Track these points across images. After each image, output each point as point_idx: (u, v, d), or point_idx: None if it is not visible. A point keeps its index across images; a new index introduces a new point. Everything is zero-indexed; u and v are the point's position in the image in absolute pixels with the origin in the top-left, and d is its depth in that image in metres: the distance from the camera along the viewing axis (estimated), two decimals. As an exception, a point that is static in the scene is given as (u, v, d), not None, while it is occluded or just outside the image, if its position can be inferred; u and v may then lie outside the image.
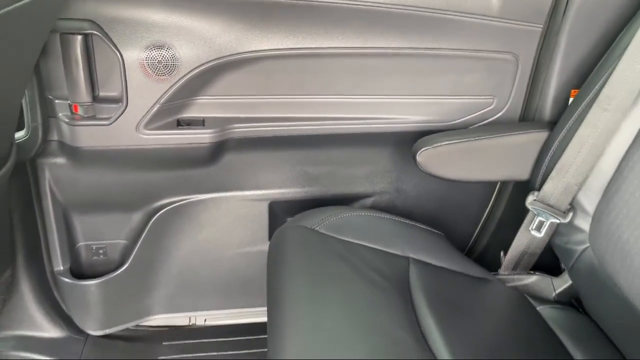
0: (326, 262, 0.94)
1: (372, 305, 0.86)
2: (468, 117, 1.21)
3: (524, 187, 1.13)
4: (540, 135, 1.09)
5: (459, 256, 1.11)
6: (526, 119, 1.21)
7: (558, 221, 1.03)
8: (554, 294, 1.11)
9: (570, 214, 1.01)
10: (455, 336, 0.86)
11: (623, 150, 0.94)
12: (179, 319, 1.43)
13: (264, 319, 1.39)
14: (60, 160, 1.15)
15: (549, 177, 1.03)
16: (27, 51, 0.84)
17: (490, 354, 0.85)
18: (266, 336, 0.92)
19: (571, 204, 1.02)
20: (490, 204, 1.35)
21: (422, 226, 1.16)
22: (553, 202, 1.03)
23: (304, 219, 1.07)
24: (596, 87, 0.98)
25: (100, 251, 1.31)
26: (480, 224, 1.38)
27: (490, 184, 1.32)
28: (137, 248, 1.28)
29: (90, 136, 1.10)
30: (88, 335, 1.31)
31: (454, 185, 1.30)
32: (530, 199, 1.06)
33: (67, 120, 1.09)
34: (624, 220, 0.91)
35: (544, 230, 1.05)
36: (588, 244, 0.99)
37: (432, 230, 1.17)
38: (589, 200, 0.99)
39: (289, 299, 0.85)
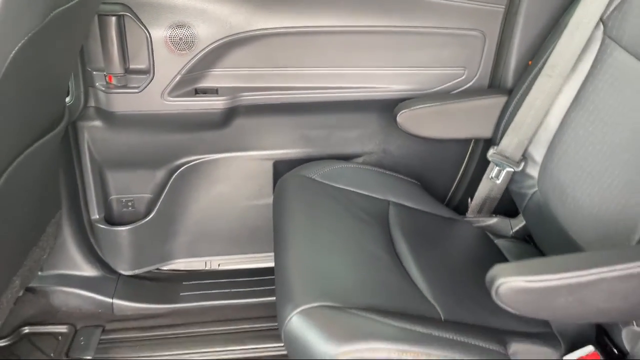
0: (321, 201, 1.16)
1: (357, 232, 1.08)
2: (443, 86, 1.41)
3: (492, 147, 1.34)
4: (501, 99, 1.29)
5: (432, 201, 1.32)
6: (493, 86, 1.41)
7: (513, 170, 1.24)
8: (511, 232, 1.32)
9: (522, 164, 1.22)
10: (423, 258, 1.08)
11: (564, 110, 1.15)
12: (196, 264, 1.65)
13: (271, 264, 1.60)
14: (97, 123, 1.36)
15: (506, 134, 1.24)
16: (78, 36, 1.05)
17: (450, 271, 1.07)
18: (273, 277, 1.14)
19: (523, 155, 1.23)
20: (464, 162, 1.55)
21: (401, 177, 1.37)
22: (509, 154, 1.24)
23: (303, 170, 1.28)
24: (544, 58, 1.18)
25: (129, 203, 1.53)
26: (457, 179, 1.58)
27: (464, 145, 1.52)
28: (160, 201, 1.50)
29: (122, 102, 1.31)
30: (120, 274, 1.53)
31: (433, 146, 1.51)
32: (490, 152, 1.27)
33: (103, 88, 1.30)
34: (563, 166, 1.12)
35: (501, 177, 1.27)
36: (537, 188, 1.20)
37: (410, 180, 1.38)
38: (538, 152, 1.20)
39: (291, 226, 1.07)
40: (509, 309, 0.74)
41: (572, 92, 1.14)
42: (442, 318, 0.92)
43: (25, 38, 0.72)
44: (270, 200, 1.54)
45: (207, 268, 1.66)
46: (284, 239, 1.06)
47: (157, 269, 1.61)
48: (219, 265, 1.66)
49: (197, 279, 1.59)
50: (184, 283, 1.57)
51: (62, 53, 0.96)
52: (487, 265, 1.10)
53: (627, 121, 0.99)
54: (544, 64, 1.17)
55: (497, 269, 0.73)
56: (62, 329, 1.36)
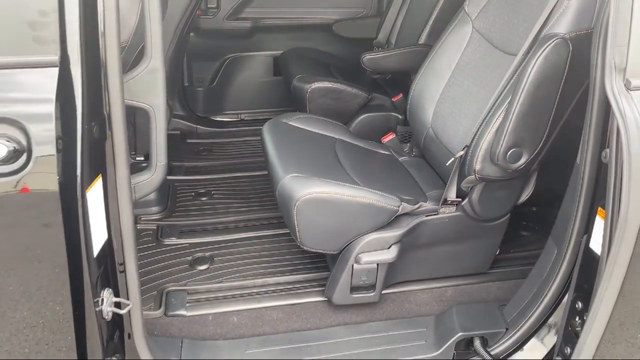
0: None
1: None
2: (356, 16, 2.99)
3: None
4: (378, 18, 2.86)
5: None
6: (378, 13, 2.98)
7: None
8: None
9: (387, 45, 2.78)
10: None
11: (400, 20, 2.71)
12: (232, 116, 3.14)
13: (270, 116, 3.11)
14: (192, 34, 2.86)
15: (380, 32, 2.79)
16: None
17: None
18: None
19: (387, 40, 2.78)
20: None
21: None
22: (381, 41, 2.78)
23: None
24: (393, -4, 2.75)
25: (201, 80, 3.03)
26: None
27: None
28: (217, 78, 3.01)
29: (204, 23, 2.84)
30: (198, 115, 3.01)
31: (356, 46, 3.04)
32: (374, 41, 2.82)
33: (196, 17, 2.80)
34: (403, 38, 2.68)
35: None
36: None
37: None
38: (393, 38, 2.75)
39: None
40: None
41: (405, 5, 2.70)
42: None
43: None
44: (272, 79, 3.07)
45: (239, 119, 3.15)
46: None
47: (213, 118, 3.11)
48: (244, 117, 3.16)
49: (234, 122, 3.10)
50: (229, 124, 3.07)
51: None
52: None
53: None
54: (393, -1, 2.75)
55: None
56: (177, 132, 2.86)
